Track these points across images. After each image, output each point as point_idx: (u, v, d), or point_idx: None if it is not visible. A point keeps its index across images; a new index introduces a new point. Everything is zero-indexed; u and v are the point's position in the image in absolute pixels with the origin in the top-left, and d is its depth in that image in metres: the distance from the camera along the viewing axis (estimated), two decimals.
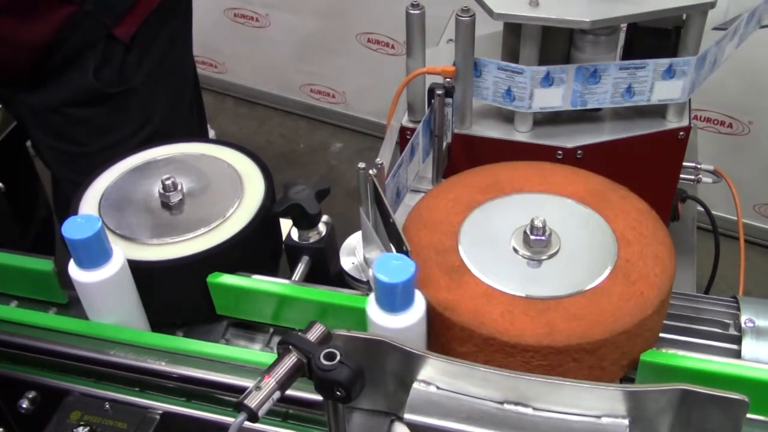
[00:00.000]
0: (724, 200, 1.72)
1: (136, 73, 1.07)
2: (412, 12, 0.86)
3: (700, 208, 1.15)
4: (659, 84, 0.89)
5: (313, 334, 0.54)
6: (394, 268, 0.57)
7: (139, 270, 0.66)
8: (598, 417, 0.56)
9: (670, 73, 0.88)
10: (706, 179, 1.07)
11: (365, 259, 0.74)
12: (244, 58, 2.51)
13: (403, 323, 0.59)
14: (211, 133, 2.14)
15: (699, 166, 1.07)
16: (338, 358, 0.51)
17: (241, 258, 0.69)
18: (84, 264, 0.63)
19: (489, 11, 0.83)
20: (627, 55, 0.93)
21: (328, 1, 2.21)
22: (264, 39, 2.42)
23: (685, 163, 1.07)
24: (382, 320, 0.59)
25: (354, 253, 0.77)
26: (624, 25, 0.94)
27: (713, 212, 1.15)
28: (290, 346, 0.53)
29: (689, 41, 0.86)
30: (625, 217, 0.68)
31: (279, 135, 2.46)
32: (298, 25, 2.32)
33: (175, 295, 0.69)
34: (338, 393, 0.51)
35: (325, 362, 0.51)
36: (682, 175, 1.07)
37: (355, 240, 0.77)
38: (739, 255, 1.08)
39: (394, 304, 0.59)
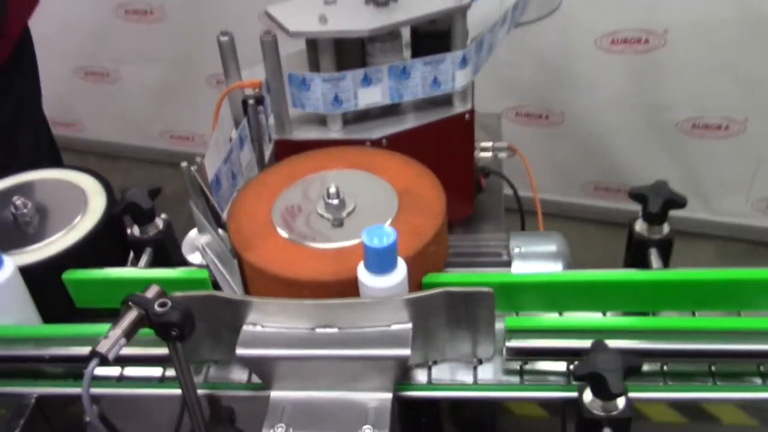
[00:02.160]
0: (552, 179, 1.96)
1: None
2: (222, 39, 1.00)
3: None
4: (459, 73, 1.06)
5: (150, 292, 0.66)
6: (379, 236, 0.68)
7: None
8: (389, 326, 0.70)
9: (464, 62, 1.05)
10: (502, 155, 1.26)
11: (202, 246, 0.86)
12: (101, 114, 2.58)
13: (391, 282, 0.70)
14: None
15: (495, 145, 1.26)
16: (169, 304, 0.64)
17: (91, 257, 0.81)
18: None
19: (286, 31, 0.99)
20: (414, 56, 1.11)
21: (174, 48, 2.33)
22: (118, 93, 2.50)
23: (483, 144, 1.26)
24: (373, 282, 0.70)
25: (194, 246, 0.90)
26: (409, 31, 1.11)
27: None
28: (130, 303, 0.65)
29: (457, 37, 1.05)
30: (404, 177, 0.84)
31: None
32: (149, 75, 2.43)
33: (38, 293, 0.79)
34: (173, 333, 0.64)
35: (159, 309, 0.64)
36: (482, 154, 1.26)
37: (193, 234, 0.90)
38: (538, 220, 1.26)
39: (382, 266, 0.69)
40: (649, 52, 1.93)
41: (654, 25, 1.90)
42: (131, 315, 0.65)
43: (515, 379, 0.72)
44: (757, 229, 2.14)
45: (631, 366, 0.60)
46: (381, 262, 0.70)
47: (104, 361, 0.62)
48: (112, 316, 0.83)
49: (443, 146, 1.12)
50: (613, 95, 2.02)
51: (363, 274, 0.71)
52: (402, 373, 0.72)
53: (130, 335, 0.64)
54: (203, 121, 2.48)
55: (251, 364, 0.72)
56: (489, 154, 1.25)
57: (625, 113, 2.04)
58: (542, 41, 1.97)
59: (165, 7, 2.24)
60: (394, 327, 0.70)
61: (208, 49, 2.24)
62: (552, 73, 2.04)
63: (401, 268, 0.71)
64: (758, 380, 0.70)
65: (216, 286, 0.82)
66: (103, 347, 0.62)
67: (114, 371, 0.77)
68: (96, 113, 2.59)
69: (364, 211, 0.80)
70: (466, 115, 1.11)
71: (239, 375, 0.77)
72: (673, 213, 0.81)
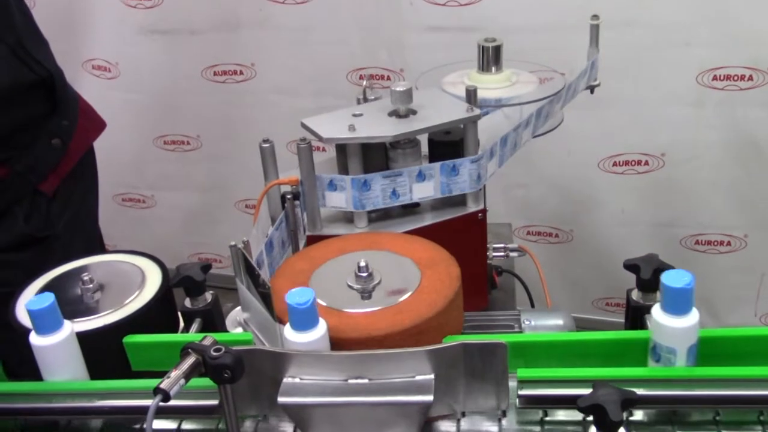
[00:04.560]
0: (564, 296, 2.05)
1: (58, 220, 1.32)
2: (264, 146, 1.15)
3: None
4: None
5: (206, 341, 0.76)
6: (677, 279, 0.77)
7: None
8: (413, 377, 0.79)
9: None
10: (513, 254, 1.37)
11: (244, 321, 0.96)
12: (133, 237, 2.71)
13: (687, 323, 0.78)
14: None
15: (507, 246, 1.37)
16: (224, 349, 0.74)
17: (147, 326, 0.91)
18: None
19: (320, 137, 1.13)
20: (431, 162, 1.24)
21: (207, 176, 2.51)
22: (151, 218, 2.66)
23: (495, 245, 1.37)
24: (669, 322, 0.78)
25: (236, 321, 1.00)
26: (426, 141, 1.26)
27: None
28: (189, 349, 0.75)
29: (469, 144, 1.18)
30: (425, 256, 0.95)
31: None
32: (183, 201, 2.59)
33: (99, 357, 0.89)
34: (226, 375, 0.73)
35: (214, 353, 0.73)
36: (495, 254, 1.37)
37: (236, 312, 1.01)
38: None
39: (681, 307, 0.77)
40: (649, 173, 2.08)
41: (652, 149, 2.06)
42: (190, 359, 0.74)
43: (536, 428, 0.80)
44: None
45: (627, 398, 0.68)
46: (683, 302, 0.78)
47: (166, 398, 0.71)
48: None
49: (458, 242, 1.22)
50: (619, 213, 2.15)
51: (660, 316, 0.79)
52: (424, 420, 0.80)
53: (188, 377, 0.73)
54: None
55: (291, 411, 0.80)
56: (501, 254, 1.36)
57: (632, 230, 2.16)
58: (550, 164, 2.12)
59: (201, 137, 2.43)
60: (418, 377, 0.79)
61: (239, 177, 2.45)
62: (560, 193, 2.18)
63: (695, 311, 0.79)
64: (759, 428, 0.78)
65: None
66: (166, 385, 0.72)
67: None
68: (128, 237, 2.72)
69: (388, 285, 0.91)
70: (479, 214, 1.23)
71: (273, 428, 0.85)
72: None
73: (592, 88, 1.43)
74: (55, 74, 1.34)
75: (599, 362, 0.82)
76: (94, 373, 0.90)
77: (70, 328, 0.85)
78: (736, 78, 1.89)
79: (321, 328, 0.82)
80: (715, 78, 1.90)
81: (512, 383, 0.80)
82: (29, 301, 0.83)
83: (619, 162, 2.08)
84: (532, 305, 1.40)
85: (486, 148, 1.18)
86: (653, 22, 1.87)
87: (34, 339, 0.84)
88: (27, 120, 1.31)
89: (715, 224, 2.11)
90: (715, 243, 2.14)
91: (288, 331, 0.82)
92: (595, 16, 1.37)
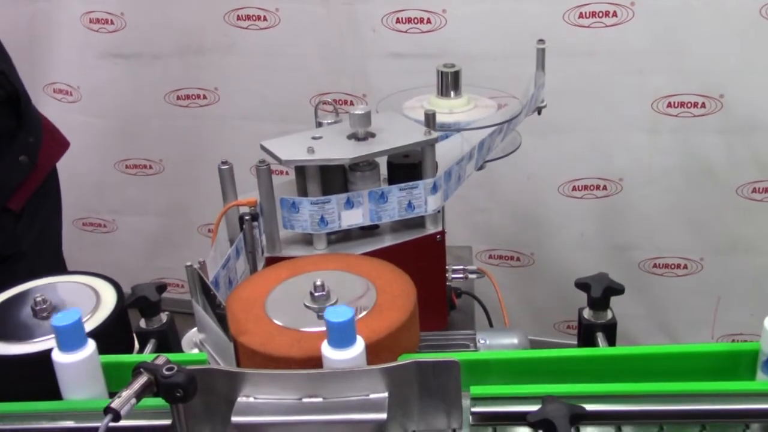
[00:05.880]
0: (525, 319, 2.05)
1: (25, 238, 1.31)
2: (222, 168, 1.15)
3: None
4: (430, 198, 1.20)
5: (159, 361, 0.76)
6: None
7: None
8: (367, 395, 0.79)
9: (435, 189, 1.20)
10: (473, 276, 1.38)
11: (200, 341, 0.96)
12: (94, 262, 2.67)
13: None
14: None
15: (466, 268, 1.38)
16: (176, 368, 0.73)
17: (101, 346, 0.90)
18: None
19: (278, 159, 1.14)
20: (390, 184, 1.25)
21: (169, 201, 2.49)
22: (112, 242, 2.63)
23: (454, 267, 1.39)
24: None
25: (193, 342, 0.99)
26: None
27: None
28: (141, 369, 0.74)
29: (427, 167, 1.20)
30: (381, 276, 0.96)
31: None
32: (145, 226, 2.57)
33: (52, 378, 0.87)
34: (178, 394, 0.73)
35: (166, 372, 0.73)
36: (454, 276, 1.38)
37: (192, 333, 1.00)
38: None
39: None
40: (608, 197, 2.12)
41: (610, 174, 2.10)
42: (142, 379, 0.74)
43: None
44: None
45: (576, 413, 0.70)
46: None
47: (117, 417, 0.71)
48: None
49: (417, 263, 1.23)
50: (579, 237, 2.18)
51: None
52: None
53: (140, 396, 0.73)
54: None
55: (245, 431, 0.80)
56: (460, 275, 1.37)
57: (591, 254, 2.19)
58: (510, 189, 2.15)
59: (163, 161, 2.42)
60: (372, 396, 0.79)
61: (201, 202, 2.45)
62: (521, 218, 2.21)
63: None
64: None
65: None
66: (116, 405, 0.71)
67: None
68: (88, 262, 2.68)
69: (346, 303, 0.91)
70: (438, 236, 1.24)
71: None
72: None
73: (539, 110, 1.45)
74: (21, 91, 1.35)
75: (551, 379, 0.83)
76: (47, 394, 0.88)
77: (93, 347, 0.84)
78: (689, 105, 1.94)
79: (359, 346, 0.81)
80: (669, 105, 1.95)
81: (466, 401, 0.81)
82: (54, 317, 0.82)
83: (578, 186, 2.12)
84: (491, 326, 1.41)
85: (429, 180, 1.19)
86: (609, 51, 1.92)
87: (57, 356, 0.83)
88: None
89: (672, 248, 2.15)
90: (672, 266, 2.18)
91: (327, 349, 0.81)
92: (541, 41, 1.40)
